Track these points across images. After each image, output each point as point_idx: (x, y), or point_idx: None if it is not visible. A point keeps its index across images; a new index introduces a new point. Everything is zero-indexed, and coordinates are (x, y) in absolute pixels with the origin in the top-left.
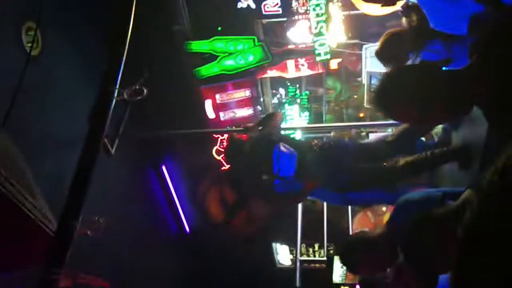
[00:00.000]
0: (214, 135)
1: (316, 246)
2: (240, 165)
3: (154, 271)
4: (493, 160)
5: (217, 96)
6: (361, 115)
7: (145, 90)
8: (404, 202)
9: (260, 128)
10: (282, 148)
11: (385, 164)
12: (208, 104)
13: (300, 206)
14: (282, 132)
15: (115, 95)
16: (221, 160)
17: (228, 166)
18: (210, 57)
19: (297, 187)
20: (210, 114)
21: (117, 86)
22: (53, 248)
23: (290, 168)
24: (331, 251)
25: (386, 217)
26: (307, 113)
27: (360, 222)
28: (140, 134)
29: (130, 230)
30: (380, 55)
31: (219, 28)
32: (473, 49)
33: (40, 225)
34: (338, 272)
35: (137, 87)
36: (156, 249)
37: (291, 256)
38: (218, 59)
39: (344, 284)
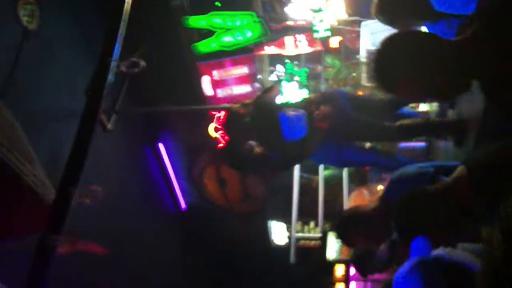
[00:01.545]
0: (211, 112)
1: (312, 224)
2: (240, 137)
3: (149, 246)
4: (489, 139)
5: (215, 72)
6: (360, 93)
7: (142, 63)
8: (398, 176)
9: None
10: (290, 112)
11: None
12: (205, 81)
13: (296, 185)
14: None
15: (113, 66)
16: (219, 137)
17: (226, 139)
18: (208, 33)
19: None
20: (208, 90)
21: (114, 58)
22: (51, 215)
23: (302, 130)
24: (326, 228)
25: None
26: (305, 91)
27: (355, 200)
28: (137, 110)
29: (126, 205)
30: (378, 10)
31: (218, 3)
32: (475, 18)
33: (39, 193)
34: (333, 248)
35: (135, 59)
36: (152, 225)
37: (287, 234)
38: (216, 34)
39: (338, 261)
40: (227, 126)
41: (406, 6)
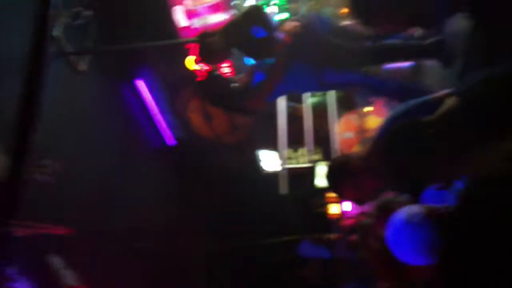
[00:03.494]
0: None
1: (303, 150)
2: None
3: (140, 187)
4: (477, 60)
5: (187, 1)
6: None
7: (85, 12)
8: (391, 117)
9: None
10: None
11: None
12: (177, 11)
13: (282, 114)
14: None
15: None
16: (198, 69)
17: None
18: None
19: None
20: (181, 21)
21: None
22: (2, 198)
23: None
24: (316, 156)
25: (369, 119)
26: (286, 14)
27: (344, 125)
28: (109, 48)
29: (110, 148)
30: None
31: None
32: None
33: None
34: (322, 177)
35: (77, 9)
36: (140, 165)
37: (279, 162)
38: None
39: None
40: (202, 58)
41: None
